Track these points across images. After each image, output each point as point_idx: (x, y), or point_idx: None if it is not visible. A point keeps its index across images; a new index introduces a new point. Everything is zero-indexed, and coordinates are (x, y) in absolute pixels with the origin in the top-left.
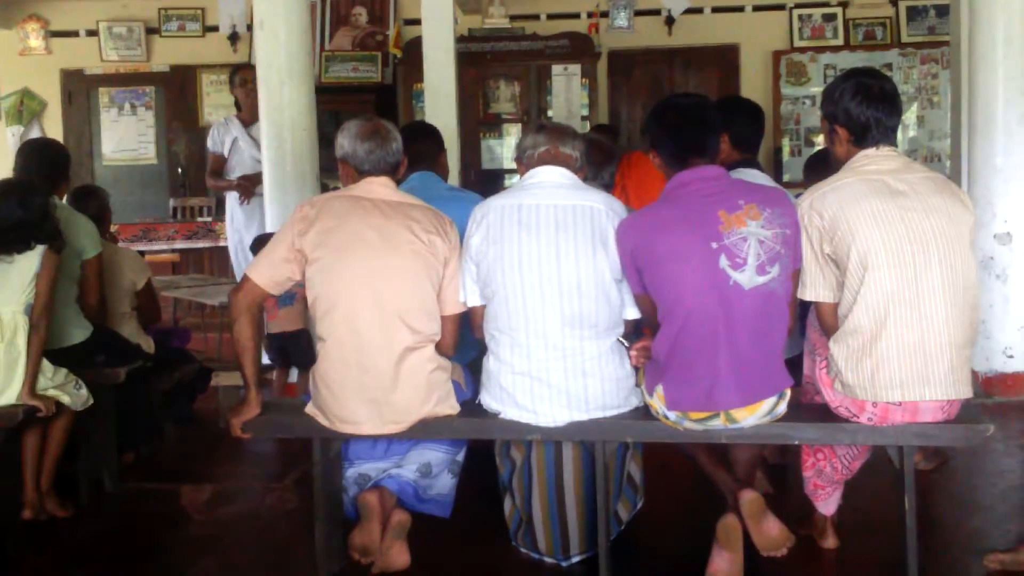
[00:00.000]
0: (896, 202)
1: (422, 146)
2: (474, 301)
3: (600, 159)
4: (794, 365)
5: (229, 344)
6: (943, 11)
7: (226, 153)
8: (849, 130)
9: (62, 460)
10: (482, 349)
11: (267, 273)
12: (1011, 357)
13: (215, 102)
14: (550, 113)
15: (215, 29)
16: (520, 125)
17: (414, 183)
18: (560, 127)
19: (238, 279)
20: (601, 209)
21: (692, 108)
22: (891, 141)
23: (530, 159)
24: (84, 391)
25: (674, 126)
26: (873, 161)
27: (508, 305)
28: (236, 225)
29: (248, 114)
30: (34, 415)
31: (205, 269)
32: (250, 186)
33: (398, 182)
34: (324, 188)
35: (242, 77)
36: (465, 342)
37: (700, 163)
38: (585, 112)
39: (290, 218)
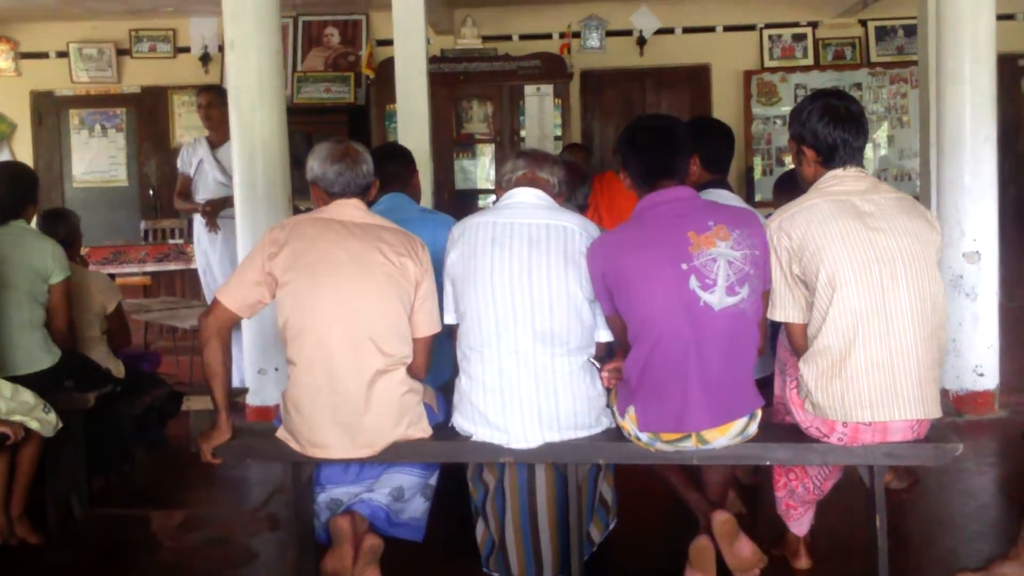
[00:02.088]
0: (863, 222)
1: (394, 168)
2: (451, 320)
3: (573, 179)
4: (765, 385)
5: (202, 367)
6: (911, 31)
7: (192, 174)
8: (816, 151)
9: (31, 485)
10: (454, 371)
11: (237, 296)
12: (981, 375)
13: (186, 123)
14: (523, 133)
15: (187, 50)
16: (493, 145)
17: (385, 205)
18: (539, 153)
19: (208, 302)
20: (575, 229)
21: (661, 130)
22: (858, 162)
23: (508, 182)
24: (53, 416)
25: (644, 148)
26: (841, 182)
27: (480, 320)
28: (202, 247)
29: (215, 136)
30: (2, 441)
31: (177, 292)
32: (215, 210)
33: (369, 204)
34: (296, 210)
35: (199, 101)
36: (437, 365)
37: (670, 184)
38: (558, 132)
39: (260, 241)
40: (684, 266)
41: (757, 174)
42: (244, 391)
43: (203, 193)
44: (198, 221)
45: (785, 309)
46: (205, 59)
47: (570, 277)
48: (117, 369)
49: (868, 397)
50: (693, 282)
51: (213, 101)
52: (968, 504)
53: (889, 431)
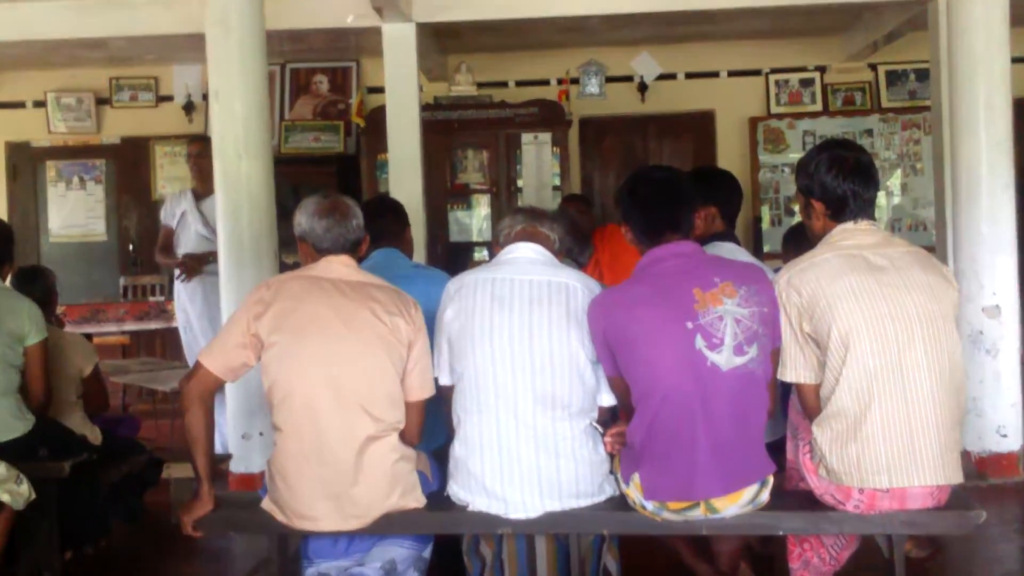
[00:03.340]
0: (876, 278)
1: (385, 222)
2: (445, 380)
3: (575, 238)
4: (776, 449)
5: (183, 432)
6: (923, 75)
7: (175, 226)
8: (825, 204)
9: (2, 561)
10: (449, 436)
11: (221, 359)
12: (1004, 436)
13: (169, 174)
14: (520, 183)
15: (169, 99)
16: (489, 196)
17: (376, 261)
18: (538, 209)
19: (189, 362)
20: (576, 286)
21: (664, 182)
22: (869, 214)
23: (507, 238)
24: (25, 487)
25: (646, 201)
26: (851, 235)
27: (478, 382)
28: (181, 304)
29: (202, 187)
30: None
31: (157, 352)
32: (195, 266)
33: (360, 260)
34: (283, 265)
35: (188, 151)
36: (431, 429)
37: (673, 239)
38: (556, 181)
39: (245, 300)
40: (689, 325)
41: (765, 224)
42: (228, 457)
43: (184, 247)
44: (177, 276)
45: (796, 369)
46: (189, 108)
47: (572, 337)
48: (93, 435)
49: (885, 462)
50: (699, 341)
51: (204, 151)
52: (993, 573)
53: (908, 497)
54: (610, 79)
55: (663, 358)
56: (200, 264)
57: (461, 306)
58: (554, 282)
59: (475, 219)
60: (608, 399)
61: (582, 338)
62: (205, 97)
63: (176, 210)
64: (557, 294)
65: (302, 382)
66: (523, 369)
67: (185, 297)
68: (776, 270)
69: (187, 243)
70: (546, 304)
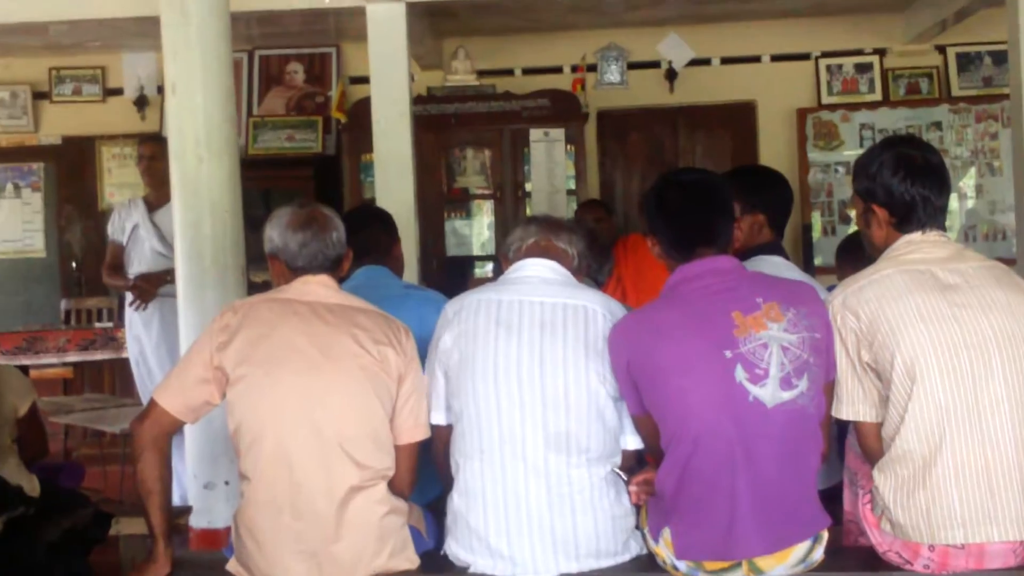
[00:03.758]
0: (947, 298)
1: (370, 235)
2: (440, 420)
3: (592, 252)
4: (831, 499)
5: (134, 481)
6: (1000, 58)
7: (125, 242)
8: (890, 211)
9: None
10: (447, 487)
11: (179, 397)
12: None
13: (119, 180)
14: (528, 187)
15: (119, 92)
16: (492, 202)
17: (360, 280)
18: (555, 220)
19: (143, 400)
20: (596, 311)
21: (698, 186)
22: (939, 224)
23: (516, 252)
24: None
25: (676, 209)
26: (918, 248)
27: (480, 422)
28: (134, 331)
29: (156, 195)
30: None
31: (104, 387)
32: (149, 288)
33: (341, 280)
34: (252, 286)
35: (140, 152)
36: (425, 477)
37: (709, 253)
38: (571, 185)
39: (208, 328)
40: (728, 353)
41: (816, 233)
42: (187, 511)
43: (138, 266)
44: (129, 299)
45: (853, 405)
46: (141, 103)
47: (591, 369)
48: (31, 486)
49: (959, 514)
50: (740, 373)
51: (158, 153)
52: None
53: (986, 555)
54: (633, 65)
55: (697, 393)
56: (156, 286)
57: (461, 332)
58: (570, 305)
59: (476, 229)
60: (633, 441)
61: (603, 371)
62: (160, 90)
63: (126, 223)
64: (573, 319)
65: (274, 423)
66: (533, 407)
67: (139, 323)
68: (830, 288)
69: (141, 261)
70: (560, 331)
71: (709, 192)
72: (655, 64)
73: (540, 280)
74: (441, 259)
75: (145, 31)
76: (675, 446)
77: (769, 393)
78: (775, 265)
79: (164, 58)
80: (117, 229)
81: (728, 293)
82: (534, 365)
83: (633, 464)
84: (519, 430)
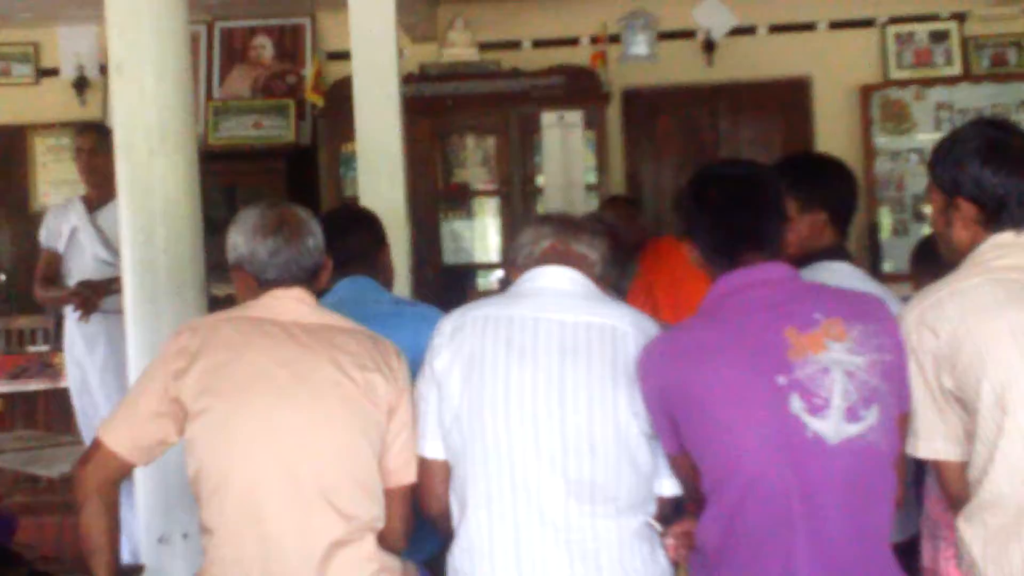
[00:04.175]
0: None
1: (353, 240)
2: (435, 452)
3: (615, 254)
4: (908, 553)
5: (76, 535)
6: None
7: (62, 249)
8: (979, 206)
9: None
10: (446, 539)
11: (128, 435)
12: None
13: (56, 177)
14: (540, 181)
15: (54, 73)
16: (498, 199)
17: (343, 294)
18: (574, 219)
19: (86, 438)
20: (627, 331)
21: (743, 181)
22: None
23: (528, 258)
24: None
25: (718, 207)
26: (1010, 252)
27: (488, 463)
28: (75, 356)
29: (96, 194)
30: None
31: (39, 423)
32: (93, 296)
33: (319, 294)
34: (214, 302)
35: (77, 144)
36: (422, 530)
37: (757, 259)
38: (592, 178)
39: (162, 352)
40: (782, 380)
41: (885, 233)
42: (138, 570)
43: (78, 275)
44: (72, 319)
45: (932, 441)
46: (81, 85)
47: (620, 403)
48: None
49: None
50: (796, 403)
51: (100, 144)
52: None
53: None
54: (664, 35)
55: (745, 428)
56: (101, 295)
57: (461, 353)
58: (595, 324)
59: (478, 233)
60: (670, 487)
61: (634, 403)
62: (103, 70)
63: (62, 227)
64: (599, 341)
65: (242, 465)
66: (551, 448)
67: (80, 346)
68: (904, 300)
69: (81, 272)
70: (584, 356)
71: (757, 187)
72: (690, 33)
73: (559, 293)
74: (437, 268)
75: (85, 0)
76: (720, 492)
77: (831, 427)
78: (838, 273)
79: (107, 32)
80: (52, 234)
81: (781, 307)
82: (552, 398)
83: (670, 513)
84: (534, 475)
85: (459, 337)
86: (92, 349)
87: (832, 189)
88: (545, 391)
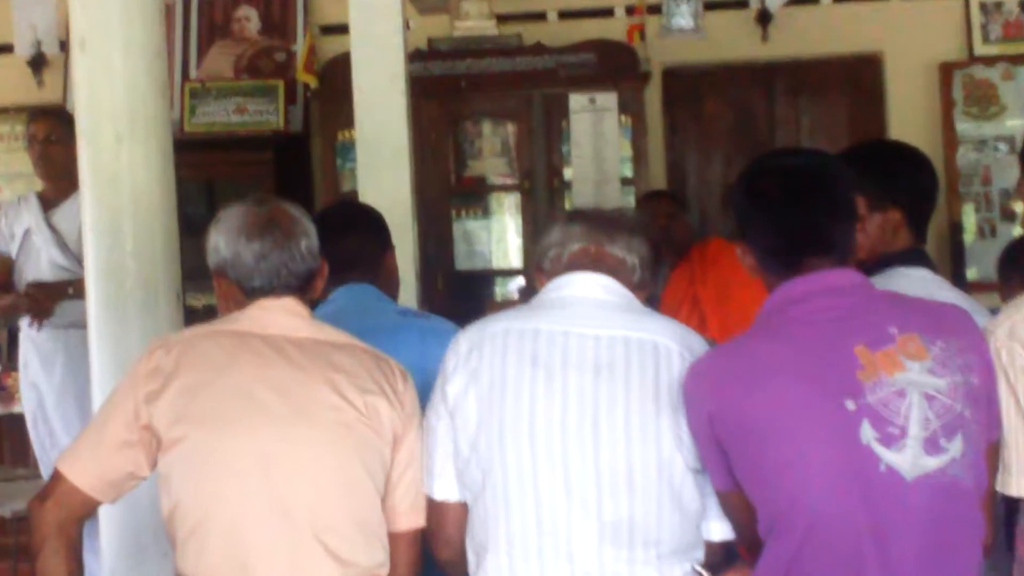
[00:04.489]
0: None
1: (353, 242)
2: (448, 494)
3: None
4: None
5: None
6: None
7: (14, 253)
8: None
9: None
10: None
11: (93, 469)
12: None
13: (9, 169)
14: (568, 174)
15: (7, 50)
16: (519, 195)
17: (341, 305)
18: (608, 215)
19: (43, 471)
20: (671, 348)
21: (806, 173)
22: None
23: (556, 262)
24: None
25: (777, 206)
26: None
27: (509, 500)
28: (30, 377)
29: (53, 189)
30: None
31: None
32: (45, 300)
33: (314, 304)
34: (191, 313)
35: (31, 132)
36: None
37: (823, 265)
38: (628, 171)
39: (131, 372)
40: (851, 404)
41: (969, 235)
42: None
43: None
44: (27, 334)
45: None
46: (38, 64)
47: (663, 431)
48: None
49: None
50: (867, 432)
51: (57, 132)
52: None
53: None
54: (711, 5)
55: (808, 460)
56: (54, 299)
57: (479, 375)
58: (634, 339)
59: (496, 233)
60: (720, 530)
61: (679, 431)
62: (64, 46)
63: (15, 227)
64: (640, 360)
65: (224, 503)
66: (584, 485)
67: (36, 365)
68: (992, 312)
69: (35, 275)
70: (621, 376)
71: (822, 180)
72: (742, 3)
73: (592, 304)
74: (448, 274)
75: None
76: (778, 535)
77: (908, 460)
78: (916, 280)
79: (69, 2)
80: (3, 236)
81: (849, 321)
82: (585, 424)
83: (720, 561)
84: (563, 516)
85: (475, 356)
86: (48, 369)
87: (907, 183)
88: (577, 417)
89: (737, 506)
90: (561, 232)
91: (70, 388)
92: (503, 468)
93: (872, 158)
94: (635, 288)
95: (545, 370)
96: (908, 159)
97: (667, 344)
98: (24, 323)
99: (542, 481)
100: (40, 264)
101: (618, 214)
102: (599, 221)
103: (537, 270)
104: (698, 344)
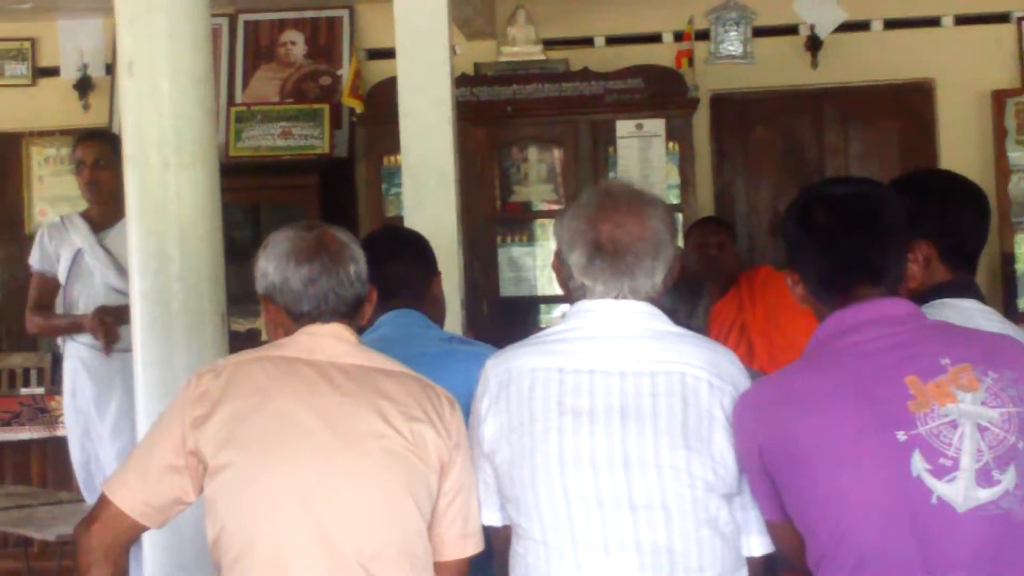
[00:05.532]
0: None
1: (400, 268)
2: (493, 519)
3: (689, 287)
4: None
5: None
6: None
7: (62, 276)
8: None
9: None
10: None
11: (138, 493)
12: None
13: (54, 192)
14: None
15: (53, 73)
16: None
17: (388, 331)
18: (627, 193)
19: (86, 494)
20: (700, 378)
21: (858, 203)
22: None
23: (583, 270)
24: None
25: (829, 235)
26: None
27: (546, 539)
28: (80, 402)
29: (101, 212)
30: None
31: (33, 477)
32: (114, 324)
33: (361, 330)
34: (235, 338)
35: (79, 156)
36: None
37: (874, 295)
38: (675, 198)
39: (178, 397)
40: (902, 436)
41: (1021, 265)
42: None
43: (87, 307)
44: (74, 356)
45: None
46: (84, 87)
47: (695, 468)
48: None
49: None
50: (918, 463)
51: (104, 156)
52: None
53: None
54: (760, 31)
55: (859, 492)
56: (120, 323)
57: (509, 420)
58: (660, 373)
59: (541, 260)
60: (760, 544)
61: (713, 466)
62: (110, 69)
63: (61, 249)
64: (667, 397)
65: (269, 530)
66: (620, 522)
67: (89, 389)
68: None
69: (89, 304)
70: (649, 418)
71: (874, 209)
72: (792, 29)
73: (617, 336)
74: (493, 300)
75: None
76: (827, 567)
77: (960, 492)
78: (966, 311)
79: (117, 25)
80: (47, 256)
81: (901, 351)
82: (616, 469)
83: (761, 574)
84: (602, 555)
85: (504, 399)
86: (106, 393)
87: (958, 214)
88: (607, 457)
89: (786, 536)
90: (572, 221)
91: (128, 413)
92: (538, 511)
93: (923, 188)
94: (660, 292)
95: (574, 416)
96: (959, 189)
97: (695, 373)
98: (70, 348)
99: (578, 522)
100: (94, 287)
101: (640, 190)
102: (616, 200)
103: (557, 272)
104: (729, 367)
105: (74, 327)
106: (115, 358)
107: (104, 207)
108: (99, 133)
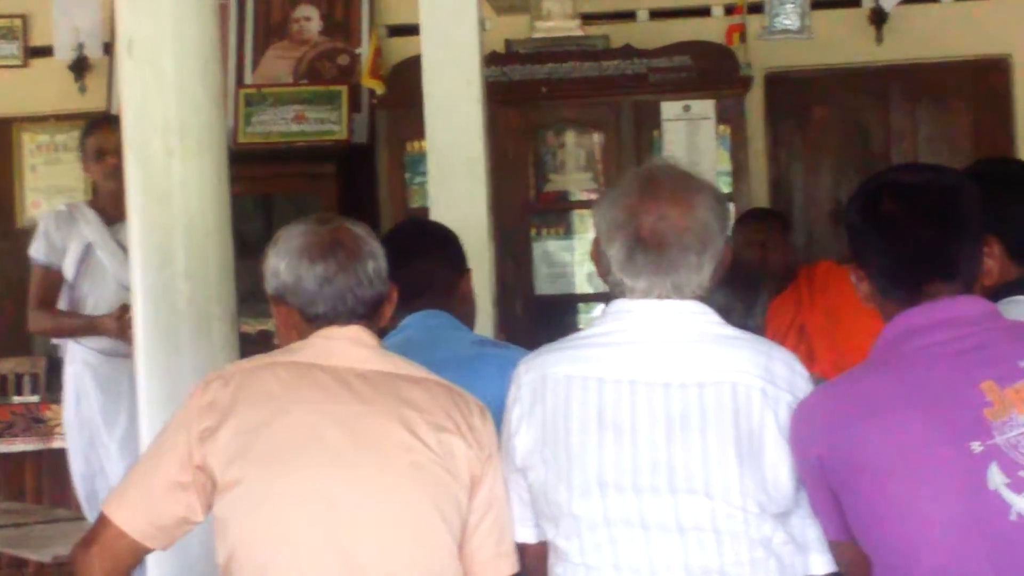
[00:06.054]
0: None
1: (425, 265)
2: (527, 536)
3: (747, 284)
4: None
5: None
6: None
7: (69, 271)
8: None
9: None
10: None
11: (141, 512)
12: None
13: (48, 182)
14: None
15: (47, 52)
16: None
17: (412, 333)
18: (670, 178)
19: (88, 511)
20: (751, 386)
21: (930, 193)
22: None
23: (624, 265)
24: None
25: (898, 227)
26: None
27: (584, 558)
28: (85, 410)
29: (112, 203)
30: None
31: (28, 492)
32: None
33: (382, 332)
34: (246, 341)
35: (96, 145)
36: None
37: (946, 293)
38: (726, 187)
39: (185, 407)
40: (977, 446)
41: None
42: None
43: (94, 310)
44: (78, 359)
45: None
46: (80, 67)
47: (748, 487)
48: None
49: None
50: (996, 476)
51: (121, 144)
52: None
53: None
54: (819, 3)
55: (930, 508)
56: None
57: (544, 432)
58: (709, 384)
59: (580, 254)
60: (821, 564)
61: (765, 486)
62: (109, 49)
63: (69, 241)
64: (716, 408)
65: (285, 551)
66: (666, 543)
67: (96, 398)
68: None
69: (99, 303)
70: (697, 430)
71: (948, 199)
72: (854, 1)
73: (661, 340)
74: (527, 299)
75: None
76: None
77: None
78: None
79: (115, 2)
80: (55, 248)
81: (976, 354)
82: (661, 487)
83: None
84: (643, 567)
85: (539, 409)
86: (114, 401)
87: (1007, 210)
88: (650, 476)
89: (850, 557)
90: (610, 210)
91: (124, 420)
92: (577, 529)
93: (1001, 176)
94: (707, 286)
95: (614, 431)
96: (1017, 181)
97: (747, 381)
98: (70, 351)
99: (620, 543)
100: (106, 283)
101: (688, 174)
102: (659, 189)
103: (595, 259)
104: (787, 372)
105: (90, 328)
106: (125, 364)
107: (120, 199)
108: (115, 118)
